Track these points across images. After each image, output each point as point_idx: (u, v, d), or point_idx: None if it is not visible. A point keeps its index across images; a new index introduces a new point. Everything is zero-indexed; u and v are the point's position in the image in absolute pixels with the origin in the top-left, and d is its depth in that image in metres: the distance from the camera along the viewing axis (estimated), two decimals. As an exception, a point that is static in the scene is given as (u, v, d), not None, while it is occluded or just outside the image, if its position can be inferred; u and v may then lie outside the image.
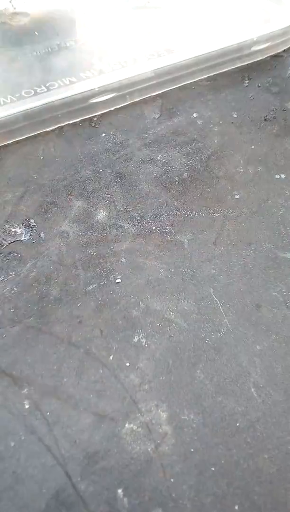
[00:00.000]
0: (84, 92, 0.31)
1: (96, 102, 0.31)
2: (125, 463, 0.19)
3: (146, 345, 0.22)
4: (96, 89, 0.31)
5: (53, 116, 0.31)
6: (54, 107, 0.30)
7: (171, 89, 0.34)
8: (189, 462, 0.19)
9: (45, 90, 0.31)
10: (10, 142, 0.30)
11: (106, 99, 0.32)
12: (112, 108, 0.32)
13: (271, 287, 0.24)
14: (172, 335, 0.22)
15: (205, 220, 0.26)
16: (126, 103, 0.33)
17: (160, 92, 0.34)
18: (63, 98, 0.30)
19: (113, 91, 0.32)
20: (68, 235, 0.26)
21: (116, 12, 0.37)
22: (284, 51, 0.38)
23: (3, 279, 0.24)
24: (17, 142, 0.30)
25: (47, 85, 0.32)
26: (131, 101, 0.33)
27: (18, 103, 0.30)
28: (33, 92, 0.31)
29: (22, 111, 0.29)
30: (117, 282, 0.24)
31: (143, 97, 0.33)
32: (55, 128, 0.31)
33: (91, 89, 0.31)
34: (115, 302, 0.23)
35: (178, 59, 0.33)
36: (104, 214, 0.27)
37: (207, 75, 0.35)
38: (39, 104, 0.30)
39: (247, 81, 0.35)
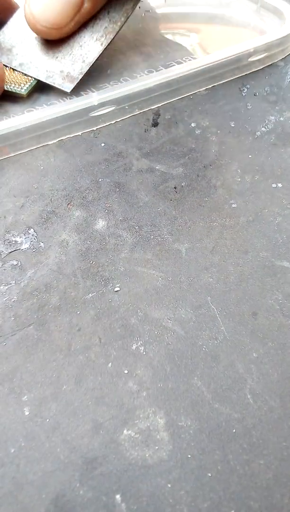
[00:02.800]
0: (85, 106, 0.31)
1: (96, 115, 0.32)
2: (123, 468, 0.19)
3: (144, 353, 0.22)
4: (96, 104, 0.31)
5: (55, 130, 0.31)
6: (55, 121, 0.31)
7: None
8: (186, 468, 0.19)
9: (45, 107, 0.32)
10: (12, 155, 0.31)
11: (106, 112, 0.32)
12: (112, 122, 0.33)
13: (267, 295, 0.24)
14: (170, 342, 0.23)
15: (202, 229, 0.27)
16: (127, 116, 0.33)
17: (160, 104, 0.34)
18: (64, 112, 0.31)
19: (113, 104, 0.32)
20: (67, 244, 0.26)
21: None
22: (281, 60, 0.38)
23: (3, 287, 0.25)
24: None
25: (48, 103, 0.32)
26: (131, 114, 0.33)
27: (19, 117, 0.30)
28: (34, 109, 0.32)
29: (24, 125, 0.30)
30: (116, 291, 0.24)
31: (143, 110, 0.34)
32: (56, 139, 0.32)
33: (91, 104, 0.31)
34: (113, 310, 0.24)
35: (176, 72, 0.33)
36: (103, 224, 0.27)
37: (206, 87, 0.35)
38: (40, 118, 0.30)
39: (244, 91, 0.36)
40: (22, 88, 0.33)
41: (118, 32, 0.34)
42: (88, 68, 0.33)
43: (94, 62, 0.33)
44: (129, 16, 0.34)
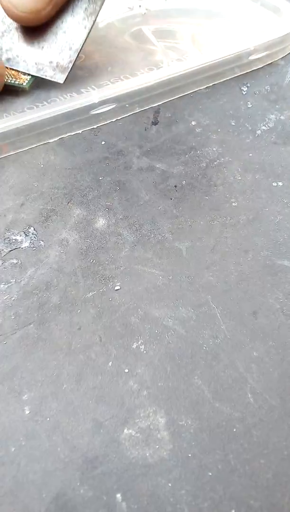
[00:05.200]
0: (85, 103, 0.31)
1: (97, 113, 0.32)
2: (124, 468, 0.19)
3: (144, 352, 0.22)
4: (97, 102, 0.31)
5: (55, 128, 0.31)
6: (56, 119, 0.31)
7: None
8: (187, 467, 0.19)
9: (46, 104, 0.32)
10: (12, 153, 0.31)
11: (107, 110, 0.32)
12: (113, 120, 0.33)
13: (267, 294, 0.24)
14: (170, 341, 0.23)
15: (203, 227, 0.27)
16: (127, 114, 0.33)
17: (160, 102, 0.34)
18: (65, 110, 0.31)
19: (113, 102, 0.32)
20: (68, 242, 0.26)
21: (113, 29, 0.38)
22: (281, 59, 0.38)
23: (4, 286, 0.25)
24: (18, 150, 0.31)
25: (49, 100, 0.32)
26: (132, 112, 0.33)
27: (19, 115, 0.30)
28: (34, 107, 0.32)
29: (24, 123, 0.30)
30: (116, 289, 0.24)
31: (143, 108, 0.34)
32: (56, 137, 0.32)
33: (92, 101, 0.31)
34: (114, 309, 0.24)
35: (177, 70, 0.33)
36: (103, 222, 0.27)
37: (206, 85, 0.35)
38: (41, 116, 0.30)
39: (245, 89, 0.36)
40: (24, 81, 0.32)
41: (99, 12, 0.33)
42: (76, 55, 0.32)
43: (81, 48, 0.33)
44: None
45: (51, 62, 0.32)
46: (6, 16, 0.32)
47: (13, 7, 0.31)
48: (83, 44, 0.33)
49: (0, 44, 0.33)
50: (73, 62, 0.32)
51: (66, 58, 0.32)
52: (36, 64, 0.32)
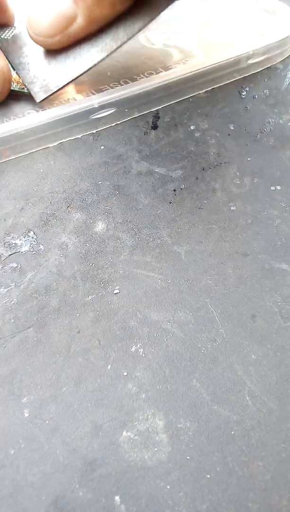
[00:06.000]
0: (85, 108, 0.31)
1: (96, 118, 0.32)
2: (123, 470, 0.19)
3: (143, 355, 0.22)
4: (96, 106, 0.31)
5: (55, 132, 0.31)
6: (56, 123, 0.31)
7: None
8: (185, 470, 0.19)
9: (46, 109, 0.32)
10: (12, 158, 0.31)
11: (106, 115, 0.32)
12: (112, 124, 0.33)
13: (266, 298, 0.24)
14: (169, 344, 0.23)
15: (201, 231, 0.27)
16: (126, 119, 0.33)
17: (160, 107, 0.34)
18: (65, 114, 0.31)
19: (113, 107, 0.32)
20: (67, 246, 0.26)
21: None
22: (280, 62, 0.38)
23: (3, 289, 0.25)
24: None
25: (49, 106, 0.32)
26: (131, 117, 0.33)
27: (19, 120, 0.31)
28: (34, 111, 0.32)
29: (24, 127, 0.30)
30: (115, 293, 0.25)
31: (143, 113, 0.34)
32: (55, 142, 0.32)
33: (92, 106, 0.31)
34: (113, 313, 0.24)
35: (176, 75, 0.34)
36: (102, 226, 0.27)
37: (205, 89, 0.35)
38: (41, 120, 0.30)
39: (243, 93, 0.36)
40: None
41: (112, 52, 0.33)
42: (67, 82, 0.32)
43: (74, 79, 0.32)
44: (132, 37, 0.33)
45: (44, 80, 0.32)
46: None
47: (28, 26, 0.31)
48: (79, 76, 0.32)
49: (26, 49, 0.33)
50: (58, 88, 0.32)
51: (55, 82, 0.32)
52: (33, 76, 0.32)
